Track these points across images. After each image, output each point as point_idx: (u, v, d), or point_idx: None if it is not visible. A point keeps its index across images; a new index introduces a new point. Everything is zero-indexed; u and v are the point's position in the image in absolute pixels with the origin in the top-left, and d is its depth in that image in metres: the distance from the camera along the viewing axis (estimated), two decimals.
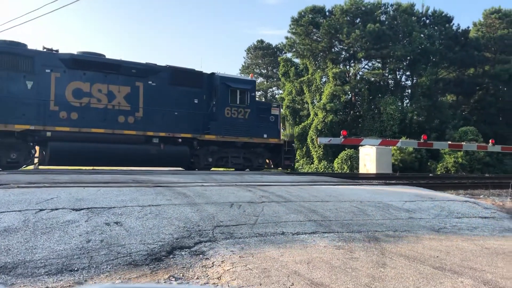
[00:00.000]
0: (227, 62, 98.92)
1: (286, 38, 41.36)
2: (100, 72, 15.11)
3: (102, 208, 5.38)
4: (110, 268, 3.69)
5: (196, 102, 16.93)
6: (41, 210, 5.10)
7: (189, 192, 6.95)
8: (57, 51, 14.84)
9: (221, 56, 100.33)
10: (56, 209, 5.16)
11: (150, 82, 15.89)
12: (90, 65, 14.99)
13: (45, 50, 14.70)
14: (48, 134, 13.91)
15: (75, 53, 15.18)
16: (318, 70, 38.64)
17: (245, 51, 59.94)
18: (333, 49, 38.39)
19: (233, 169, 18.21)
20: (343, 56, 39.19)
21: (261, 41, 58.10)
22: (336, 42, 37.95)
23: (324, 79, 38.43)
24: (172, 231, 4.78)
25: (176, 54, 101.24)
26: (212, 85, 17.37)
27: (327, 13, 39.07)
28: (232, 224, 5.25)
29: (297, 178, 12.53)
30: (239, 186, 8.50)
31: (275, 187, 8.47)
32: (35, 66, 14.06)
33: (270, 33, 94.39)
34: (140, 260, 3.91)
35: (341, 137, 15.90)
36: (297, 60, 42.28)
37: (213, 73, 17.90)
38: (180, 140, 16.28)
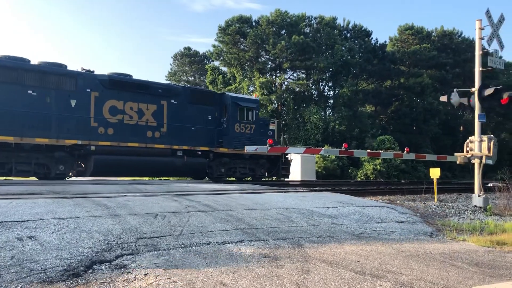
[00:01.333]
0: (153, 68, 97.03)
1: (213, 46, 41.47)
2: (132, 91, 16.69)
3: (14, 222, 5.01)
4: (21, 287, 3.43)
5: (210, 118, 18.81)
6: None
7: (111, 203, 6.67)
8: (93, 71, 16.28)
9: (148, 62, 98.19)
10: None
11: (172, 101, 17.74)
12: (124, 85, 16.58)
13: (84, 71, 16.06)
14: (93, 148, 15.28)
15: (111, 74, 16.85)
16: (246, 79, 39.10)
17: (172, 57, 59.20)
18: (259, 59, 39.05)
19: (235, 179, 19.94)
20: (269, 66, 39.99)
21: (188, 48, 57.72)
22: (263, 52, 38.66)
23: (251, 88, 38.92)
24: (92, 244, 4.55)
25: (103, 57, 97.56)
26: (222, 103, 19.34)
27: (254, 23, 39.71)
28: (156, 236, 5.11)
29: (225, 187, 12.52)
30: (164, 196, 8.32)
31: (202, 196, 8.38)
32: (77, 86, 15.44)
33: (197, 41, 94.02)
34: (55, 277, 3.67)
35: (267, 145, 16.31)
36: (224, 69, 42.50)
37: (223, 93, 20.69)
38: (199, 152, 17.94)
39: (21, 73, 14.35)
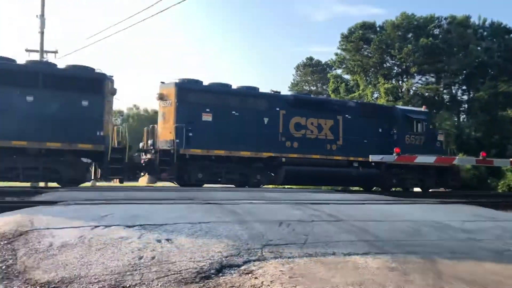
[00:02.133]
0: (276, 80, 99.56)
1: (336, 54, 41.19)
2: (312, 108, 18.73)
3: (154, 225, 5.49)
4: (160, 285, 3.74)
5: (380, 131, 20.04)
6: (96, 226, 5.27)
7: (239, 210, 6.96)
8: (279, 92, 18.87)
9: (270, 74, 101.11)
10: (111, 226, 5.32)
11: (347, 116, 19.25)
12: (306, 103, 18.87)
13: (272, 92, 18.72)
14: (283, 160, 17.37)
15: (299, 94, 20.93)
16: (369, 86, 38.09)
17: (294, 68, 60.16)
18: (384, 64, 37.76)
19: (407, 189, 20.65)
20: (395, 71, 38.45)
21: (311, 58, 58.15)
22: (388, 57, 37.33)
23: (375, 95, 37.77)
24: (221, 248, 4.78)
25: (226, 71, 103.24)
26: (392, 116, 20.45)
27: (378, 29, 38.57)
28: (281, 243, 5.19)
29: (349, 197, 12.27)
30: (288, 204, 8.43)
31: (325, 206, 8.32)
32: (269, 105, 17.86)
33: (319, 50, 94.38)
34: (189, 278, 3.94)
35: (394, 154, 16.28)
36: (347, 76, 41.92)
37: (393, 106, 22.42)
38: (373, 163, 18.66)
39: (227, 96, 17.12)
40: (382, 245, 5.47)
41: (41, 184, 15.03)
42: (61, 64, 14.47)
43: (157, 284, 3.75)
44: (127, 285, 3.73)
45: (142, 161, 16.46)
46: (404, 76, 38.55)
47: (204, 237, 5.15)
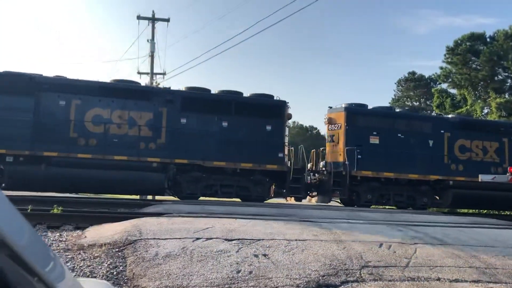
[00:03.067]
0: (377, 96, 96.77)
1: (441, 68, 39.01)
2: (476, 131, 18.35)
3: (252, 239, 5.58)
4: None
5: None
6: (197, 238, 5.50)
7: (335, 229, 6.83)
8: (442, 115, 19.64)
9: (370, 89, 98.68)
10: (211, 239, 5.51)
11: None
12: (470, 125, 18.57)
13: (436, 114, 20.02)
14: (451, 183, 17.26)
15: (464, 116, 20.37)
16: (479, 101, 35.45)
17: (396, 83, 58.05)
18: (496, 77, 34.96)
19: None
20: (508, 84, 35.39)
21: (413, 73, 55.70)
22: (500, 69, 34.52)
23: (486, 110, 35.03)
24: (318, 267, 4.71)
25: (322, 87, 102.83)
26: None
27: (488, 39, 35.94)
28: (381, 265, 4.98)
29: (455, 219, 11.46)
30: (388, 225, 8.09)
31: (429, 228, 7.84)
32: (433, 128, 17.80)
33: (422, 64, 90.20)
34: None
35: (508, 174, 15.21)
36: (453, 91, 39.48)
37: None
38: None
39: (392, 119, 17.56)
40: (494, 273, 5.00)
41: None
42: (224, 90, 16.37)
43: None
44: None
45: (309, 181, 17.19)
46: None
47: (300, 254, 5.12)
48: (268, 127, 15.90)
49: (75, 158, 14.20)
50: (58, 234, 6.48)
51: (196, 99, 15.65)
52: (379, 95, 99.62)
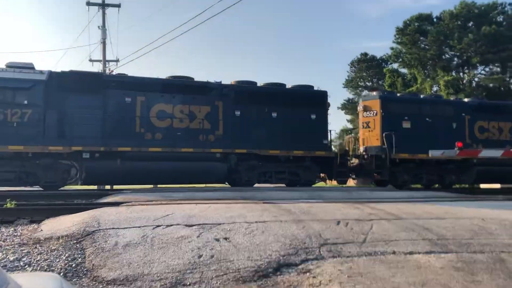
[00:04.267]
0: (329, 77, 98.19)
1: (391, 49, 40.06)
2: (493, 112, 19.83)
3: (212, 224, 5.60)
4: (219, 284, 3.81)
5: None
6: (157, 226, 5.46)
7: (294, 209, 6.95)
8: (461, 99, 20.91)
9: (323, 71, 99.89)
10: (171, 225, 5.48)
11: None
12: (487, 108, 19.98)
13: (457, 99, 20.77)
14: (475, 161, 18.36)
15: (481, 100, 21.42)
16: (428, 79, 36.70)
17: (349, 65, 59.03)
18: (443, 56, 36.25)
19: None
20: (455, 62, 36.78)
21: (365, 54, 56.80)
22: (447, 48, 35.79)
23: (435, 88, 36.33)
24: (279, 248, 4.80)
25: (279, 70, 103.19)
26: None
27: (435, 20, 37.09)
28: (339, 242, 5.12)
29: (409, 194, 11.92)
30: (345, 202, 8.31)
31: (384, 204, 8.12)
32: (456, 112, 19.12)
33: (374, 45, 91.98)
34: (248, 277, 3.98)
35: (455, 149, 16.36)
36: (404, 70, 40.64)
37: None
38: None
39: (420, 105, 18.90)
40: (446, 244, 5.26)
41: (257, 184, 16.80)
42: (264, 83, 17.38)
43: (216, 282, 3.82)
44: (188, 283, 3.83)
45: (349, 165, 18.34)
46: (465, 68, 36.81)
47: (261, 236, 5.18)
48: (313, 116, 17.15)
49: (146, 152, 14.95)
50: (12, 228, 6.25)
51: (247, 92, 16.77)
52: (334, 76, 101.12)
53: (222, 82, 16.71)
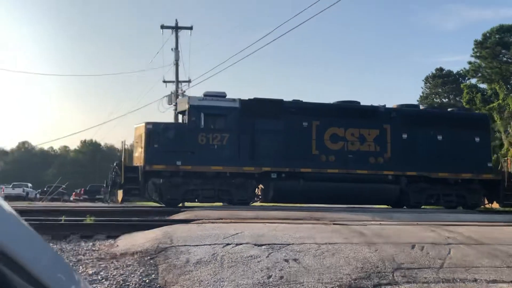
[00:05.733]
0: (403, 92, 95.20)
1: (469, 63, 38.14)
2: None
3: (281, 244, 5.56)
4: None
5: None
6: (227, 244, 5.51)
7: (366, 231, 6.73)
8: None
9: (396, 87, 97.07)
10: (241, 244, 5.52)
11: None
12: None
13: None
14: None
15: None
16: (511, 94, 34.45)
17: (423, 80, 57.01)
18: None
19: None
20: None
21: (441, 69, 54.64)
22: None
23: None
24: (350, 271, 4.65)
25: (343, 89, 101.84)
26: None
27: None
28: (414, 267, 4.88)
29: (491, 218, 11.15)
30: (420, 225, 7.92)
31: (462, 227, 7.64)
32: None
33: (450, 60, 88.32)
34: None
35: None
36: (483, 86, 38.51)
37: None
38: None
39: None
40: None
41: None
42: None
43: None
44: None
45: None
46: None
47: (331, 258, 5.07)
48: (477, 139, 17.39)
49: (325, 173, 16.06)
50: (91, 243, 6.61)
51: (413, 115, 17.48)
52: (406, 92, 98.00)
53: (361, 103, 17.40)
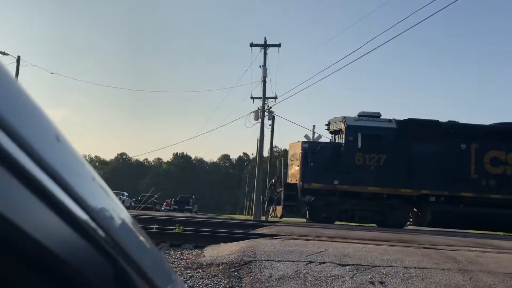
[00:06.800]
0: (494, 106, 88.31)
1: None
2: None
3: (367, 265, 5.38)
4: None
5: None
6: (310, 262, 5.45)
7: (460, 257, 6.29)
8: None
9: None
10: (324, 263, 5.43)
11: None
12: None
13: None
14: None
15: None
16: None
17: None
18: None
19: None
20: None
21: None
22: None
23: None
24: None
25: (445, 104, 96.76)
26: None
27: None
28: None
29: None
30: None
31: None
32: None
33: None
34: None
35: None
36: None
37: None
38: None
39: None
40: None
41: None
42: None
43: None
44: None
45: None
46: None
47: (420, 283, 4.80)
48: None
49: (487, 199, 15.57)
50: (179, 252, 6.88)
51: None
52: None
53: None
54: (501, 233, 17.52)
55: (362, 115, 16.21)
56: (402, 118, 16.82)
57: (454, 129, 16.27)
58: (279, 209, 16.41)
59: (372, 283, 4.74)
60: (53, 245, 0.41)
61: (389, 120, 16.19)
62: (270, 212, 17.61)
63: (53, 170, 0.42)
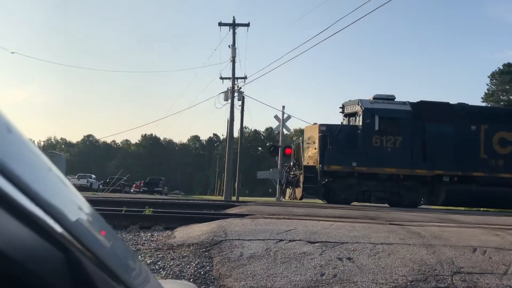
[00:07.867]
0: (465, 90, 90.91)
1: None
2: None
3: (335, 242, 5.50)
4: None
5: None
6: (280, 240, 5.54)
7: (424, 233, 6.52)
8: None
9: (457, 83, 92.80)
10: (294, 241, 5.52)
11: None
12: None
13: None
14: None
15: None
16: None
17: (489, 77, 54.23)
18: None
19: None
20: None
21: (508, 65, 51.74)
22: None
23: None
24: (406, 272, 4.53)
25: (396, 84, 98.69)
26: None
27: None
28: (475, 272, 4.67)
29: None
30: (483, 228, 7.56)
31: None
32: None
33: None
34: None
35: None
36: None
37: None
38: None
39: None
40: None
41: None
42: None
43: None
44: None
45: None
46: None
47: (386, 258, 4.96)
48: None
49: (497, 178, 16.13)
50: (149, 234, 6.86)
51: None
52: (470, 89, 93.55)
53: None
54: (463, 208, 18.22)
55: (377, 98, 16.58)
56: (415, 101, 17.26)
57: (464, 111, 16.76)
58: (299, 191, 16.68)
59: (340, 259, 4.86)
60: None
61: (404, 103, 16.54)
62: (289, 195, 17.82)
63: (3, 162, 0.40)
